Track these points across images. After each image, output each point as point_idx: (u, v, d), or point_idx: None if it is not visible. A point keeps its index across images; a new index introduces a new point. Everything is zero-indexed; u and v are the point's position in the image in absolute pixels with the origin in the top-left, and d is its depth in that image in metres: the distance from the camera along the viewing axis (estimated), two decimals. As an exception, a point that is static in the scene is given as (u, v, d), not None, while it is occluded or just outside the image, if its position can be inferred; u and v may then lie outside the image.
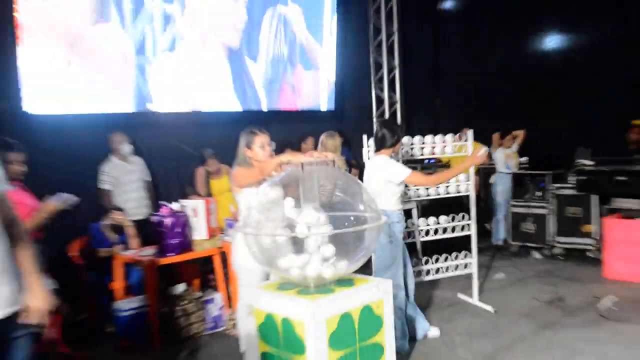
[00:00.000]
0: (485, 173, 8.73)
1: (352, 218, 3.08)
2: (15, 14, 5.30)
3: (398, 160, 4.81)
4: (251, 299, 3.02)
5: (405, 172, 4.19)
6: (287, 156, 3.36)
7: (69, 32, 5.69)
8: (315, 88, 8.15)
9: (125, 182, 5.79)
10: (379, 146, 4.40)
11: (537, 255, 7.26)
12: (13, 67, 5.36)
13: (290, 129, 6.98)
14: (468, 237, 5.31)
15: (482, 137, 8.03)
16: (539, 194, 7.42)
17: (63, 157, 5.42)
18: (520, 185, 7.65)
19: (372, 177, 4.40)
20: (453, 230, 5.27)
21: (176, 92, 6.58)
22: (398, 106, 8.63)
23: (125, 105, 6.21)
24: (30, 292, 2.18)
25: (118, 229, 5.29)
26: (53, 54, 5.60)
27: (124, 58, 6.12)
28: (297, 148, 6.30)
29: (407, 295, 4.51)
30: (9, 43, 5.33)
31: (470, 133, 5.28)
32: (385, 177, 4.25)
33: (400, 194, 4.36)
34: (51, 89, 5.62)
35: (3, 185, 2.18)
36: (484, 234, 7.95)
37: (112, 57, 6.03)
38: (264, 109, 7.51)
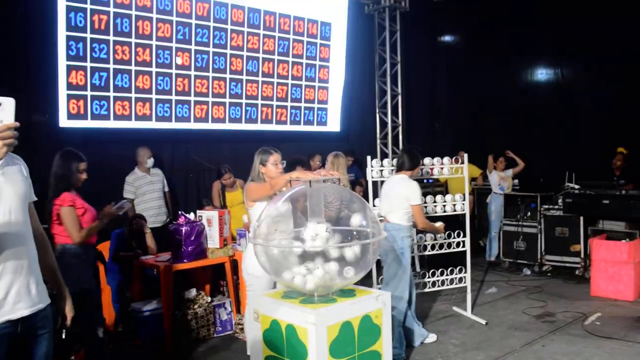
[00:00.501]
0: (479, 193, 8.68)
1: (355, 233, 3.03)
2: (59, 39, 5.38)
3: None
4: (258, 306, 2.97)
5: (418, 199, 4.37)
6: (297, 173, 3.35)
7: (107, 58, 5.76)
8: (324, 110, 8.11)
9: (146, 192, 5.81)
10: (399, 168, 4.55)
11: (527, 271, 7.14)
12: (53, 85, 5.42)
13: (300, 148, 6.95)
14: (463, 252, 5.23)
15: (476, 160, 8.03)
16: (529, 214, 7.34)
17: (91, 167, 5.41)
18: (512, 205, 7.56)
19: (390, 193, 4.46)
20: (449, 246, 5.19)
21: (197, 110, 6.57)
22: (400, 129, 8.61)
23: (150, 121, 6.20)
24: (60, 295, 2.31)
25: (138, 235, 5.25)
26: (89, 75, 5.64)
27: (151, 79, 6.14)
28: (306, 165, 6.26)
29: (409, 305, 4.45)
30: (51, 64, 5.40)
31: (465, 156, 5.24)
32: (403, 194, 4.36)
33: (412, 212, 4.41)
34: (85, 104, 5.64)
35: (33, 196, 2.16)
36: (478, 250, 7.86)
37: (140, 79, 6.05)
38: (277, 128, 7.46)
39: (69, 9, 5.52)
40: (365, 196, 5.12)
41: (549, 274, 6.97)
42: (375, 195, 5.06)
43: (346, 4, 8.13)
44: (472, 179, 8.40)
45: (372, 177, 4.99)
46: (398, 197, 4.37)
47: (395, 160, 4.88)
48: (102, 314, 3.72)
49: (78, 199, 3.62)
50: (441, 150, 5.71)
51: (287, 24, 7.44)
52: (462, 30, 10.32)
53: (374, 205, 4.98)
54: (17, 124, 1.72)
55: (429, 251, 5.14)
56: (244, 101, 7.04)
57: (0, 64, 5.12)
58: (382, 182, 4.92)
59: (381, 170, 5.03)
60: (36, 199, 2.20)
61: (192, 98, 6.52)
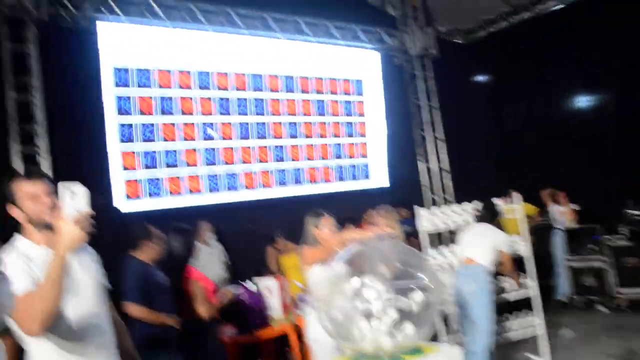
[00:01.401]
0: (538, 229, 8.41)
1: (414, 287, 3.01)
2: (110, 126, 5.80)
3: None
4: (326, 373, 2.95)
5: (509, 248, 4.69)
6: (350, 233, 3.38)
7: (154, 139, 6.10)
8: (367, 165, 8.18)
9: (207, 263, 5.92)
10: (479, 220, 4.79)
11: (602, 308, 6.80)
12: (108, 170, 5.76)
13: (349, 204, 6.99)
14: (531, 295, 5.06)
15: (531, 197, 7.82)
16: (593, 247, 7.06)
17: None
18: (575, 239, 7.31)
19: (480, 237, 4.63)
20: (515, 290, 5.03)
21: (245, 179, 6.76)
22: (445, 174, 8.57)
23: (200, 194, 6.41)
24: None
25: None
26: (140, 156, 5.97)
27: (197, 154, 6.41)
28: (357, 222, 6.27)
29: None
30: (104, 150, 5.79)
31: (516, 195, 5.17)
32: (495, 241, 4.58)
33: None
34: (139, 186, 5.92)
35: (107, 283, 2.25)
36: (546, 290, 7.56)
37: (188, 155, 6.34)
38: (324, 187, 7.55)
39: (118, 98, 5.92)
40: (420, 248, 5.08)
41: (626, 309, 6.61)
42: (431, 245, 5.03)
43: (377, 59, 8.34)
44: (528, 217, 8.17)
45: (424, 227, 4.96)
46: (490, 242, 4.54)
47: (447, 207, 4.98)
48: None
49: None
50: (491, 190, 5.64)
51: (321, 85, 7.68)
52: (493, 68, 10.33)
53: (430, 256, 4.94)
54: (92, 211, 1.77)
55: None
56: (288, 165, 7.21)
57: (56, 154, 5.47)
58: (439, 234, 4.96)
59: (432, 220, 5.01)
60: (110, 286, 2.30)
61: (238, 168, 6.73)
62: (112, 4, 5.97)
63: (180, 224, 3.99)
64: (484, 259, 4.46)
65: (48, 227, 1.93)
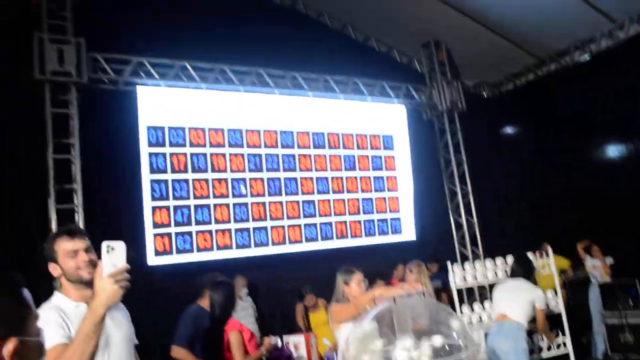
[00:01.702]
0: (573, 283, 8.17)
1: (447, 347, 2.95)
2: (143, 183, 6.00)
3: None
4: None
5: (544, 304, 4.54)
6: (379, 290, 3.37)
7: (187, 196, 6.27)
8: (398, 220, 8.15)
9: (240, 318, 5.90)
10: (513, 275, 4.68)
11: (642, 367, 6.50)
12: (140, 226, 5.89)
13: (378, 259, 6.95)
14: (566, 354, 4.89)
15: (565, 250, 7.64)
16: (631, 302, 6.80)
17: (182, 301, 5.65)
18: (611, 294, 7.06)
19: (513, 293, 4.51)
20: (549, 348, 4.88)
21: (275, 234, 6.81)
22: (476, 228, 8.46)
23: (230, 250, 6.47)
24: None
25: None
26: (172, 213, 6.11)
27: (228, 210, 6.52)
28: (386, 278, 6.22)
29: None
30: (137, 206, 5.96)
31: (549, 249, 5.08)
32: (529, 297, 4.44)
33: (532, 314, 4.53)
34: (170, 241, 6.03)
35: (135, 339, 2.27)
36: (582, 348, 7.28)
37: (219, 211, 6.45)
38: (353, 243, 7.54)
39: (151, 155, 6.11)
40: (451, 303, 5.01)
41: (668, 368, 6.31)
42: (462, 302, 4.94)
43: (405, 114, 8.46)
44: (562, 271, 7.97)
45: (456, 283, 4.90)
46: (525, 298, 4.44)
47: (479, 263, 4.90)
48: None
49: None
50: (523, 244, 5.55)
51: (350, 141, 7.79)
52: (521, 120, 10.33)
53: (461, 312, 4.85)
54: (128, 266, 1.78)
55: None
56: (318, 220, 7.25)
57: (92, 211, 5.63)
58: (468, 289, 4.86)
59: (464, 275, 4.95)
60: (137, 342, 2.30)
61: (269, 223, 6.80)
62: (150, 68, 6.27)
63: (223, 278, 4.07)
64: (518, 316, 4.35)
65: (85, 283, 1.99)
